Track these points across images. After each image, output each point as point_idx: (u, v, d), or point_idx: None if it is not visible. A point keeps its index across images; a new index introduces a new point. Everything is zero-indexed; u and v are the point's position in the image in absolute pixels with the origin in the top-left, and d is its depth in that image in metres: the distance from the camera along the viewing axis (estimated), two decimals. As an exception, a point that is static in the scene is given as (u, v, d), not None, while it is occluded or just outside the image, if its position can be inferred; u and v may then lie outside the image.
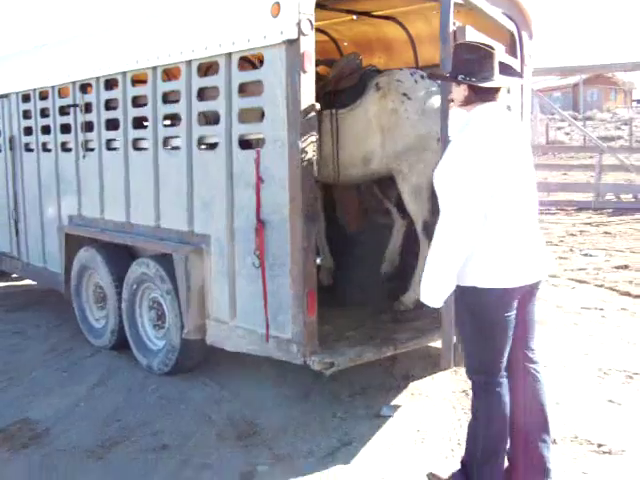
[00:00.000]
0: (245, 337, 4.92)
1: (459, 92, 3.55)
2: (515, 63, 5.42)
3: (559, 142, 32.67)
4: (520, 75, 3.85)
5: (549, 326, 6.82)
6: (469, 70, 3.46)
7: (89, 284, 6.69)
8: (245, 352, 4.99)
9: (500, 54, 3.71)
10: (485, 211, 3.35)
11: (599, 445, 4.28)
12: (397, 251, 6.68)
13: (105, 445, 4.48)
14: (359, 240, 7.26)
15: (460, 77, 3.48)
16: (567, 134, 35.67)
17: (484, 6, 4.88)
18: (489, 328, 3.50)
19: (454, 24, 4.25)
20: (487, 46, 3.55)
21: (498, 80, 3.52)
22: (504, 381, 3.58)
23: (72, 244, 6.73)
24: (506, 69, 3.68)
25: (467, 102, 3.54)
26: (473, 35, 4.34)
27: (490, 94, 3.50)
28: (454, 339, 4.37)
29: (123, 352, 6.17)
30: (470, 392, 4.60)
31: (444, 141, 4.22)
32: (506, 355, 3.56)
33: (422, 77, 5.55)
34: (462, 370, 5.27)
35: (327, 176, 5.98)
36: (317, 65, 6.31)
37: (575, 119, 30.78)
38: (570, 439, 4.37)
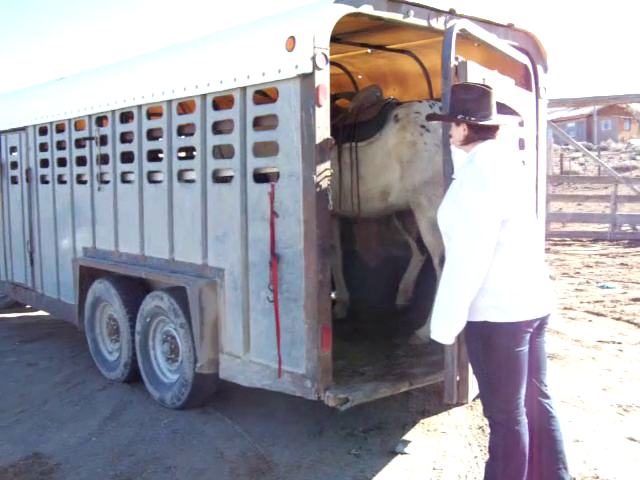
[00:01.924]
0: (259, 372, 4.88)
1: (459, 132, 3.59)
2: (529, 96, 5.43)
3: (573, 172, 32.60)
4: (517, 113, 3.88)
5: (566, 360, 6.73)
6: (468, 110, 3.52)
7: (103, 316, 6.67)
8: (259, 387, 4.94)
9: (499, 93, 3.75)
10: (496, 241, 3.34)
11: (620, 485, 4.18)
12: (412, 283, 6.66)
13: (117, 481, 4.43)
14: (377, 273, 7.24)
15: (459, 117, 3.52)
16: (581, 164, 35.59)
17: (494, 42, 4.88)
18: (503, 364, 3.45)
19: (456, 59, 4.26)
20: (485, 86, 3.65)
21: (497, 118, 3.58)
22: (523, 419, 3.52)
23: (86, 276, 6.74)
24: (504, 108, 3.75)
25: (467, 141, 3.58)
26: (475, 70, 4.35)
27: (490, 132, 3.57)
28: (457, 374, 4.30)
29: (136, 385, 6.14)
30: (487, 428, 4.55)
31: (446, 177, 4.22)
32: (523, 391, 3.52)
33: (441, 109, 5.56)
34: (478, 405, 5.20)
35: (347, 210, 5.99)
36: (337, 98, 6.38)
37: (589, 149, 30.76)
38: (591, 478, 4.27)
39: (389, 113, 5.79)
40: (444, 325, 3.42)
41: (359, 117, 5.94)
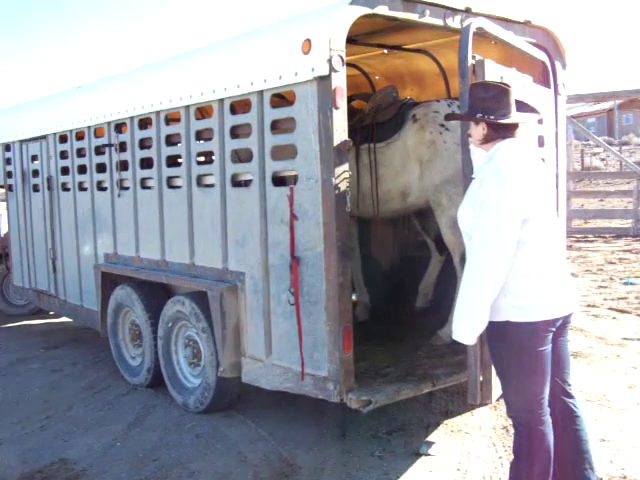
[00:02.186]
0: (281, 375, 4.88)
1: (478, 131, 3.57)
2: (547, 93, 5.39)
3: (594, 168, 32.32)
4: (537, 111, 3.85)
5: (590, 359, 6.67)
6: (487, 108, 3.50)
7: (125, 322, 6.72)
8: (281, 390, 4.94)
9: (517, 91, 3.72)
10: (517, 240, 3.32)
11: (648, 485, 4.14)
12: (431, 285, 6.63)
13: (141, 486, 4.46)
14: (394, 274, 7.22)
15: (478, 115, 3.50)
16: (603, 160, 35.28)
17: (511, 40, 4.85)
18: (526, 364, 3.43)
19: (473, 58, 4.24)
20: (503, 84, 3.62)
21: (516, 116, 3.55)
22: (547, 419, 3.49)
23: (108, 282, 6.78)
24: (523, 106, 3.72)
25: (487, 140, 3.56)
26: (493, 68, 4.33)
27: (509, 130, 3.54)
28: (480, 374, 4.27)
29: (159, 390, 6.17)
30: (511, 428, 4.52)
31: (466, 177, 4.20)
32: (547, 391, 3.49)
33: (459, 107, 5.54)
34: (502, 405, 5.17)
35: (366, 211, 5.98)
36: (353, 100, 6.36)
37: (610, 144, 30.48)
38: (618, 478, 4.23)
39: (407, 113, 5.78)
40: (466, 325, 3.40)
41: (377, 118, 5.92)
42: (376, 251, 7.36)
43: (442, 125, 5.49)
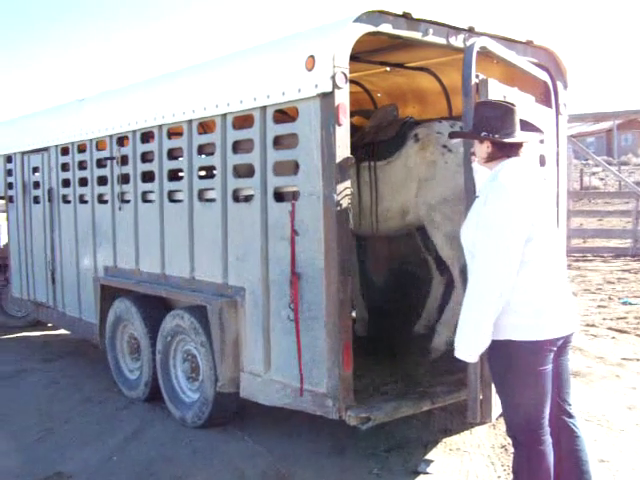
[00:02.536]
0: (279, 391, 4.86)
1: (482, 149, 3.58)
2: (549, 113, 5.41)
3: (593, 188, 32.40)
4: (540, 130, 3.87)
5: (590, 378, 6.65)
6: (492, 127, 3.52)
7: (124, 335, 6.70)
8: (280, 406, 4.93)
9: (522, 110, 3.74)
10: (521, 258, 3.32)
11: (647, 506, 4.12)
12: (435, 310, 6.54)
13: (138, 501, 4.43)
14: (393, 290, 7.21)
15: (483, 134, 3.51)
16: (602, 179, 35.38)
17: (514, 59, 4.88)
18: (527, 383, 3.42)
19: (477, 77, 4.26)
20: (508, 103, 3.64)
21: (520, 136, 3.56)
22: (547, 438, 3.49)
23: (107, 295, 6.77)
24: (527, 125, 3.73)
25: (491, 158, 3.57)
26: (496, 87, 4.35)
27: (514, 149, 3.56)
28: (480, 392, 4.27)
29: (157, 404, 6.14)
30: (510, 448, 4.51)
31: (468, 195, 4.21)
32: (547, 411, 3.48)
33: (461, 128, 5.55)
34: (501, 424, 5.16)
35: (365, 228, 5.98)
36: (352, 116, 6.37)
37: (610, 164, 30.54)
38: (616, 499, 4.21)
39: (408, 132, 5.80)
40: (468, 343, 3.40)
41: (378, 136, 5.94)
42: (375, 267, 7.36)
43: (444, 146, 5.51)
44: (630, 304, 10.51)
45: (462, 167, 5.31)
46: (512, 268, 3.30)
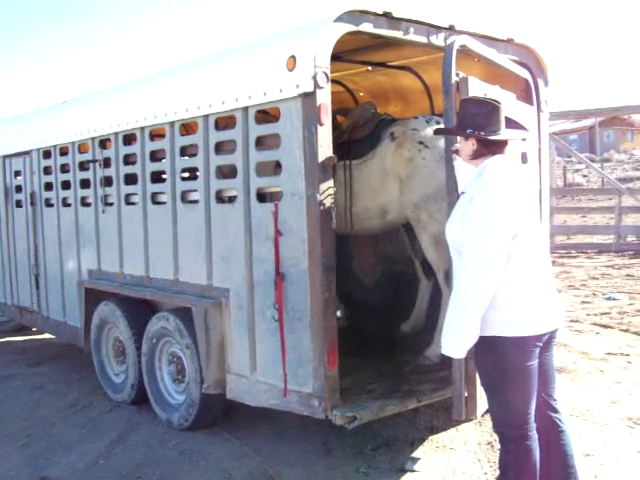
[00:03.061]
0: (265, 391, 4.86)
1: (467, 146, 3.59)
2: (530, 110, 5.44)
3: (577, 184, 32.61)
4: (525, 128, 3.88)
5: (574, 374, 6.69)
6: (477, 124, 3.52)
7: (109, 338, 6.67)
8: (266, 407, 4.92)
9: (506, 108, 3.75)
10: (508, 255, 3.34)
11: (632, 500, 4.15)
12: (423, 313, 6.49)
13: (125, 504, 4.41)
14: (376, 289, 7.20)
15: (469, 131, 3.52)
16: (585, 176, 35.61)
17: (494, 57, 4.90)
18: (514, 379, 3.44)
19: (457, 75, 4.28)
20: (494, 100, 3.64)
21: (506, 133, 3.58)
22: (533, 434, 3.50)
23: (92, 298, 6.73)
24: (511, 123, 3.74)
25: (476, 155, 3.58)
26: (476, 85, 4.37)
27: (499, 147, 3.57)
28: (465, 390, 4.28)
29: (143, 407, 6.12)
30: (496, 444, 4.53)
31: (450, 193, 4.22)
32: (533, 406, 3.50)
33: (438, 123, 5.55)
34: (487, 421, 5.18)
35: (339, 227, 5.96)
36: (332, 115, 6.36)
37: (592, 161, 30.79)
38: (602, 493, 4.24)
39: (384, 131, 5.78)
40: (456, 340, 3.41)
41: (354, 135, 5.91)
42: (360, 267, 7.36)
43: (421, 142, 5.50)
44: (614, 299, 10.58)
45: (441, 162, 5.34)
46: (499, 263, 3.32)
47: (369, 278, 7.36)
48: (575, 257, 15.59)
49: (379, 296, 7.15)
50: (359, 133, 5.89)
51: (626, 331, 8.50)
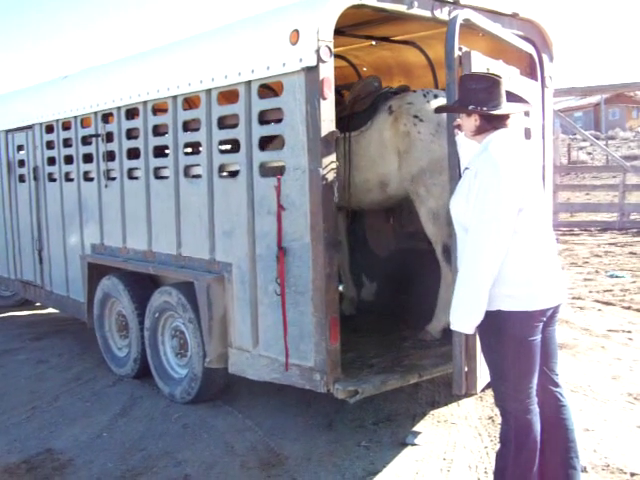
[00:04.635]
0: (267, 365, 4.89)
1: (470, 122, 3.57)
2: (534, 85, 5.40)
3: (581, 162, 32.45)
4: (527, 102, 3.86)
5: (576, 350, 6.72)
6: (479, 99, 3.50)
7: (112, 313, 6.70)
8: (268, 381, 4.95)
9: (508, 82, 3.73)
10: (514, 229, 3.34)
11: (632, 474, 4.18)
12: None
13: (127, 476, 4.45)
14: (389, 265, 7.15)
15: (471, 107, 3.50)
16: (589, 154, 35.41)
17: (498, 32, 4.86)
18: (517, 353, 3.44)
19: (460, 49, 4.25)
20: (494, 75, 3.63)
21: (508, 107, 3.56)
22: (534, 408, 3.51)
23: (95, 273, 6.76)
24: (512, 97, 3.72)
25: (479, 131, 3.57)
26: (479, 60, 4.34)
27: (501, 121, 3.55)
28: (465, 365, 4.29)
29: (146, 381, 6.16)
30: (497, 419, 4.55)
31: (452, 168, 4.21)
32: (535, 381, 3.50)
33: (435, 97, 5.53)
34: (487, 396, 5.21)
35: (340, 200, 5.95)
36: (339, 91, 6.33)
37: (597, 138, 30.61)
38: (601, 467, 4.27)
39: (383, 104, 5.77)
40: (465, 314, 3.41)
41: (354, 108, 5.91)
42: (371, 242, 7.33)
43: (416, 116, 5.48)
44: (616, 277, 10.60)
45: (436, 136, 5.33)
46: (506, 238, 3.32)
47: (379, 254, 7.32)
48: (578, 235, 15.58)
49: (387, 272, 7.11)
50: (359, 106, 5.88)
51: (628, 308, 8.52)
